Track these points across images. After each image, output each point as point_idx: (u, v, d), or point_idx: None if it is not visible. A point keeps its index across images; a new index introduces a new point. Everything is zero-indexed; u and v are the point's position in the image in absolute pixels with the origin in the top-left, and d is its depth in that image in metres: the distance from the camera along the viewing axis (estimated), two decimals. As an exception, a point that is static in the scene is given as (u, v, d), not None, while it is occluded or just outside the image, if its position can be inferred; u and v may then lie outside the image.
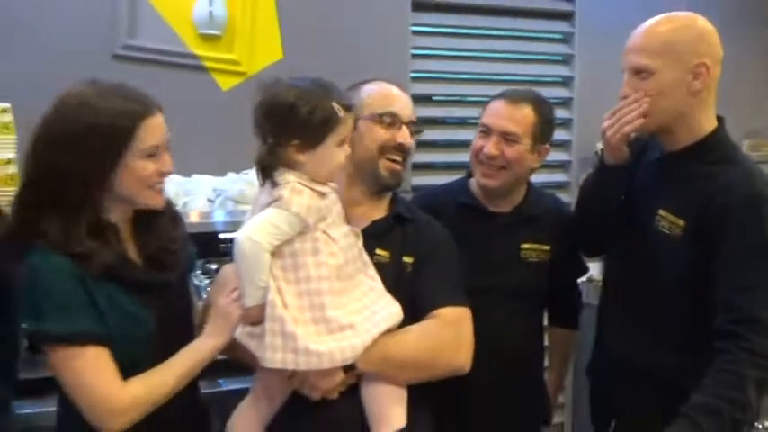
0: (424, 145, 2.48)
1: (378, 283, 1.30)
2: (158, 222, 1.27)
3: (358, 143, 1.35)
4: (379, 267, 1.33)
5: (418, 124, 1.45)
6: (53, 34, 2.10)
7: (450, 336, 1.31)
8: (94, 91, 1.16)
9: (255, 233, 1.18)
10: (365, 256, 1.32)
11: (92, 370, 1.12)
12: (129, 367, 1.16)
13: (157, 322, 1.20)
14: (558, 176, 2.75)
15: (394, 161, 1.37)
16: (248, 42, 2.28)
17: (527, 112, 1.56)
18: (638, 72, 1.40)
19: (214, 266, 1.97)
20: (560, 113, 2.77)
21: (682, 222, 1.39)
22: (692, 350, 1.36)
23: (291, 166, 1.24)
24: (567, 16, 2.74)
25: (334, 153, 1.25)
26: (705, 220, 1.36)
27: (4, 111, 1.79)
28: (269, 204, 1.22)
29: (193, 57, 2.23)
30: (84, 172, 1.13)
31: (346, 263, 1.26)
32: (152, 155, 1.17)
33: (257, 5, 2.28)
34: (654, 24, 1.41)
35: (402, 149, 1.38)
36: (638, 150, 1.56)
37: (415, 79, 2.52)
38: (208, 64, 2.25)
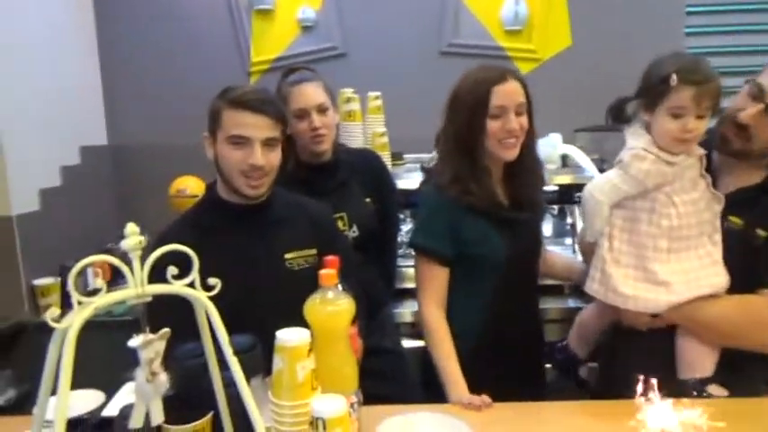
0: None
1: (717, 250, 1.31)
2: (523, 171, 1.47)
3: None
4: (730, 234, 1.32)
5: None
6: (398, 41, 2.79)
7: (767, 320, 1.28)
8: (466, 72, 1.45)
9: (597, 189, 1.35)
10: (717, 223, 1.32)
11: (428, 280, 1.46)
12: (479, 278, 1.44)
13: (511, 250, 1.44)
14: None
15: None
16: (544, 33, 2.78)
17: None
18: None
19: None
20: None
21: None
22: None
23: (644, 124, 1.33)
24: None
25: (666, 121, 1.28)
26: None
27: (377, 98, 2.44)
28: (618, 162, 1.35)
29: (501, 48, 2.79)
30: (464, 129, 1.40)
31: (681, 226, 1.29)
32: (497, 116, 1.38)
33: (552, 2, 2.76)
34: None
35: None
36: None
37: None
38: (511, 53, 2.80)
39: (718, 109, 1.30)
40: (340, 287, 1.05)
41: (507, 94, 1.37)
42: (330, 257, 1.12)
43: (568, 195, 2.33)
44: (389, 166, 2.33)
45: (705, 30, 2.83)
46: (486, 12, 2.78)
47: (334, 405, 0.87)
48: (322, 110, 1.69)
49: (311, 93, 1.69)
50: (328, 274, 1.04)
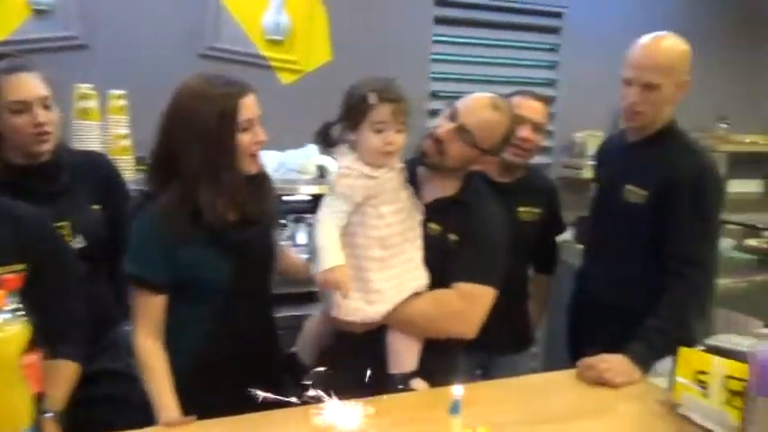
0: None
1: (419, 254, 1.45)
2: (254, 184, 1.43)
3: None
4: (429, 238, 1.47)
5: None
6: (153, 38, 2.61)
7: (457, 307, 1.43)
8: (200, 80, 1.35)
9: (320, 220, 1.39)
10: (418, 230, 1.46)
11: (141, 309, 1.37)
12: (202, 301, 1.39)
13: (235, 271, 1.40)
14: (543, 159, 3.31)
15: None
16: (305, 46, 2.83)
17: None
18: (648, 87, 1.66)
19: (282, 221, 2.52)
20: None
21: (644, 192, 1.71)
22: (653, 292, 1.62)
23: (351, 144, 1.40)
24: (555, 30, 3.33)
25: (369, 137, 1.37)
26: (663, 191, 1.68)
27: (120, 96, 2.32)
28: (329, 184, 1.43)
29: (262, 57, 2.77)
30: (212, 148, 1.31)
31: (390, 236, 1.41)
32: (246, 129, 1.33)
33: (313, 17, 2.82)
34: (661, 44, 1.67)
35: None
36: (608, 141, 2.03)
37: (433, 79, 3.12)
38: (273, 63, 2.79)
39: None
40: (10, 312, 0.93)
41: (252, 105, 1.36)
42: (8, 276, 0.98)
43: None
44: (133, 171, 2.17)
45: (448, 57, 3.17)
46: (249, 19, 2.74)
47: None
48: (46, 105, 1.50)
49: (32, 84, 1.49)
50: (-6, 294, 0.91)
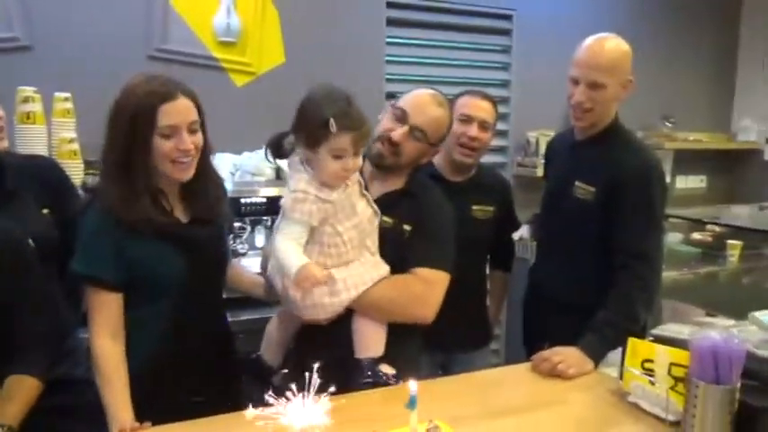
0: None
1: (375, 251, 1.49)
2: (201, 188, 1.43)
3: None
4: (384, 231, 1.52)
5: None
6: (99, 39, 2.53)
7: (417, 291, 1.48)
8: (135, 80, 1.34)
9: (277, 247, 1.39)
10: (376, 234, 1.49)
11: (96, 309, 1.35)
12: (157, 298, 1.38)
13: (190, 267, 1.40)
14: (498, 158, 3.41)
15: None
16: (257, 48, 2.80)
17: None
18: (594, 86, 1.73)
19: (237, 224, 2.50)
20: (500, 108, 3.44)
21: (592, 189, 1.77)
22: (603, 288, 1.67)
23: (306, 160, 1.39)
24: (506, 32, 3.40)
25: (328, 162, 1.35)
26: (609, 187, 1.73)
27: (66, 99, 2.24)
28: (282, 206, 1.41)
29: (214, 59, 2.73)
30: (127, 148, 1.30)
31: (349, 250, 1.43)
32: (167, 135, 1.30)
33: (265, 19, 2.80)
34: (605, 45, 1.74)
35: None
36: (556, 140, 2.10)
37: (388, 80, 3.13)
38: (225, 65, 2.76)
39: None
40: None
41: (178, 112, 1.32)
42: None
43: (278, 207, 2.38)
44: (81, 176, 2.12)
45: (402, 59, 3.19)
46: (198, 20, 2.69)
47: None
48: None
49: None
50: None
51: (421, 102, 1.57)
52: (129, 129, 1.30)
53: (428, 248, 1.52)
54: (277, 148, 1.45)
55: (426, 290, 1.50)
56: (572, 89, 1.79)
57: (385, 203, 1.54)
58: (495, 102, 2.10)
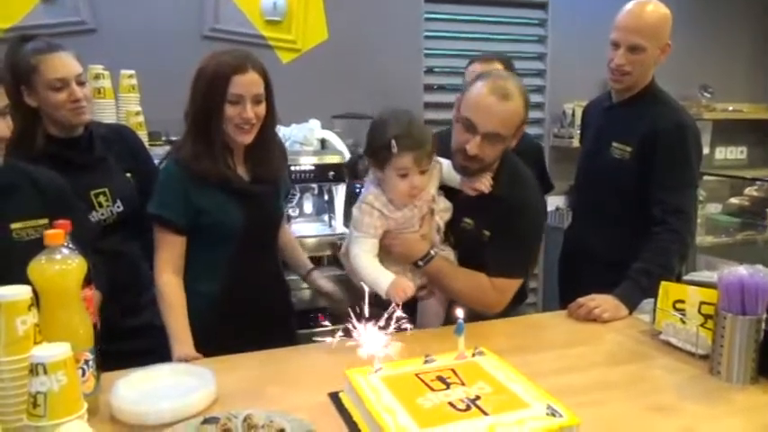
0: (433, 106, 3.22)
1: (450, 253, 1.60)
2: (262, 152, 1.57)
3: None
4: (463, 231, 1.59)
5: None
6: (156, 22, 2.73)
7: (491, 299, 1.57)
8: (219, 51, 1.51)
9: (354, 255, 1.51)
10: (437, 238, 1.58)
11: (162, 247, 1.51)
12: (218, 246, 1.54)
13: (246, 219, 1.54)
14: (534, 129, 3.46)
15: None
16: (302, 26, 2.94)
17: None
18: (634, 49, 1.79)
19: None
20: (536, 81, 3.51)
21: (629, 149, 1.84)
22: (640, 243, 1.73)
23: (378, 180, 1.50)
24: (542, 6, 3.45)
25: (395, 181, 1.46)
26: (646, 145, 1.80)
27: (131, 76, 2.41)
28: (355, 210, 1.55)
29: (261, 37, 2.88)
30: (203, 111, 1.47)
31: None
32: (235, 102, 1.45)
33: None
34: (646, 8, 1.80)
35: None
36: (591, 104, 2.15)
37: (427, 55, 3.24)
38: (272, 43, 2.91)
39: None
40: (68, 249, 1.05)
41: (245, 84, 1.45)
42: (60, 221, 1.11)
43: (325, 175, 2.54)
44: (147, 145, 2.29)
45: (440, 34, 3.29)
46: (247, 1, 2.85)
47: (54, 350, 0.88)
48: (81, 81, 1.62)
49: (70, 62, 1.61)
50: (54, 233, 1.04)
51: (484, 105, 1.49)
52: (206, 92, 1.46)
53: (507, 255, 1.55)
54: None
55: (499, 298, 1.58)
56: (612, 52, 1.85)
57: (468, 205, 1.58)
58: (506, 62, 2.14)
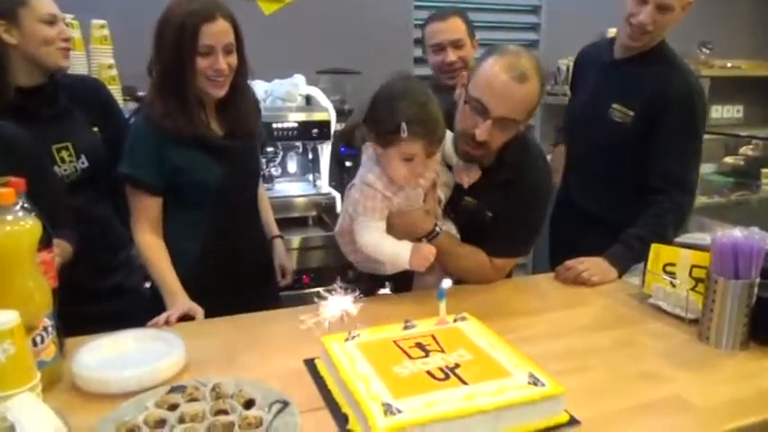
0: (424, 62, 3.09)
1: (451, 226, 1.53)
2: (235, 105, 1.51)
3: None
4: (465, 209, 1.53)
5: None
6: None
7: (492, 276, 1.56)
8: (177, 1, 1.40)
9: (364, 239, 1.40)
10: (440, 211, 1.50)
11: (138, 209, 1.46)
12: (197, 204, 1.48)
13: (224, 175, 1.49)
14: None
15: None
16: (286, -25, 2.80)
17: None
18: (663, 8, 1.69)
19: (269, 149, 2.55)
20: (530, 35, 3.39)
21: (631, 113, 1.75)
22: (636, 204, 1.70)
23: (377, 157, 1.37)
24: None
25: (396, 164, 1.34)
26: (650, 109, 1.71)
27: (102, 26, 2.30)
28: (350, 188, 1.45)
29: (243, -14, 2.74)
30: (172, 65, 1.39)
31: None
32: (205, 54, 1.38)
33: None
34: None
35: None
36: (587, 54, 2.01)
37: (417, 7, 3.10)
38: (253, -8, 2.77)
39: None
40: (22, 210, 0.98)
41: (216, 34, 1.38)
42: (12, 179, 1.03)
43: (309, 133, 2.46)
44: (121, 102, 2.20)
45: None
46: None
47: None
48: (67, 23, 1.58)
49: (54, 4, 1.55)
50: (5, 192, 0.96)
51: (498, 87, 1.35)
52: (174, 45, 1.38)
53: (508, 237, 1.52)
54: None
55: (497, 275, 1.58)
56: (635, 7, 1.73)
57: (472, 185, 1.51)
58: (460, 12, 2.04)
